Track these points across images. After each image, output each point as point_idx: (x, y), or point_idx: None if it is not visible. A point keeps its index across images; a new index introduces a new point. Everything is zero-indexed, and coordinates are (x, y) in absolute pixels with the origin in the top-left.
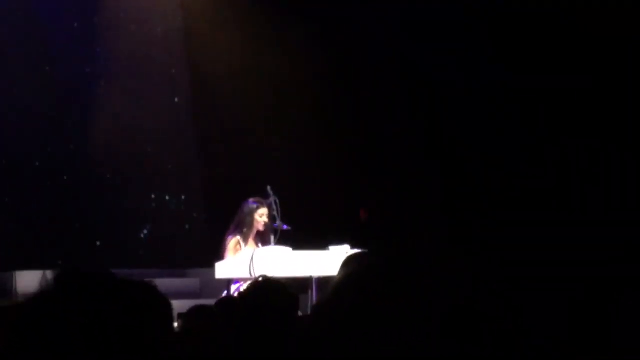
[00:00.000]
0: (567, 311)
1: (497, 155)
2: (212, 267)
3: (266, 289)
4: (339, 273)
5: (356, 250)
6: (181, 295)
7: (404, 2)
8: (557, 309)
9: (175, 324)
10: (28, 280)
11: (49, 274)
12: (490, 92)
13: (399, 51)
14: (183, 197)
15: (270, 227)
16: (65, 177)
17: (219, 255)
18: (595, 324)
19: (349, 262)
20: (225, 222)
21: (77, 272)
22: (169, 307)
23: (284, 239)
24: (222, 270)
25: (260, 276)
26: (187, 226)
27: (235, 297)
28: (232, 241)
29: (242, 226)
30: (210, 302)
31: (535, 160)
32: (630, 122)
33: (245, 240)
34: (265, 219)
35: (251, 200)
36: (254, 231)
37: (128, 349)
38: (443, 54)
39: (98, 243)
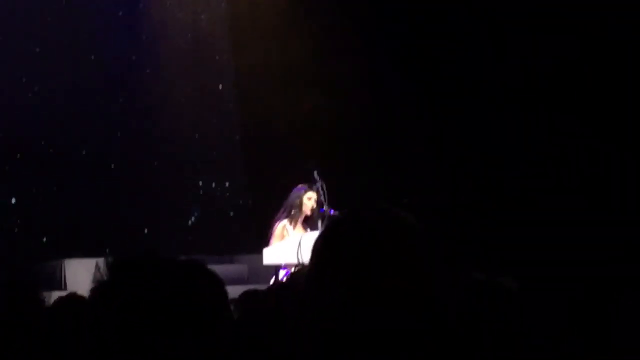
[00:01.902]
0: (567, 311)
1: (496, 155)
2: (260, 253)
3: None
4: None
5: None
6: (230, 281)
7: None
8: (557, 309)
9: None
10: (77, 269)
11: (101, 263)
12: (489, 92)
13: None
14: (227, 184)
15: (317, 212)
16: (112, 165)
17: (267, 240)
18: (596, 324)
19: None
20: (270, 207)
21: (128, 260)
22: (221, 284)
23: None
24: (270, 256)
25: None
26: (232, 212)
27: (287, 283)
28: (279, 226)
29: (290, 209)
30: (259, 287)
31: (535, 160)
32: (630, 122)
33: (294, 224)
34: (313, 202)
35: (300, 185)
36: (302, 215)
37: (188, 331)
38: (446, 53)
39: (146, 230)
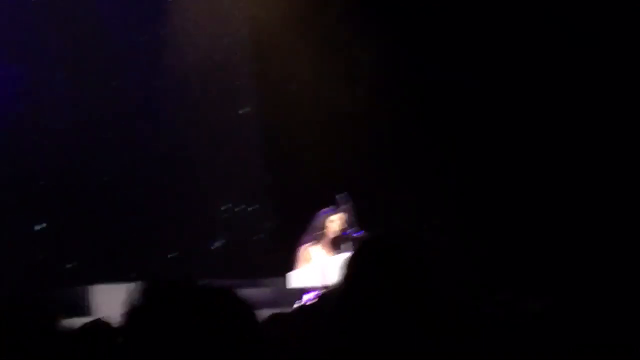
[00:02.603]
0: (567, 310)
1: (497, 155)
2: (285, 276)
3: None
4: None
5: None
6: (255, 305)
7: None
8: (557, 309)
9: None
10: (102, 295)
11: (135, 287)
12: (490, 92)
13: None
14: (251, 208)
15: (342, 235)
16: (136, 191)
17: (292, 264)
18: (595, 324)
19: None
20: (295, 231)
21: (162, 284)
22: (251, 310)
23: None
24: (295, 279)
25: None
26: (256, 236)
27: (316, 305)
28: (304, 250)
29: (314, 232)
30: (285, 311)
31: (535, 161)
32: (630, 122)
33: (319, 247)
34: (336, 225)
35: (325, 208)
36: (327, 238)
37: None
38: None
39: (169, 255)
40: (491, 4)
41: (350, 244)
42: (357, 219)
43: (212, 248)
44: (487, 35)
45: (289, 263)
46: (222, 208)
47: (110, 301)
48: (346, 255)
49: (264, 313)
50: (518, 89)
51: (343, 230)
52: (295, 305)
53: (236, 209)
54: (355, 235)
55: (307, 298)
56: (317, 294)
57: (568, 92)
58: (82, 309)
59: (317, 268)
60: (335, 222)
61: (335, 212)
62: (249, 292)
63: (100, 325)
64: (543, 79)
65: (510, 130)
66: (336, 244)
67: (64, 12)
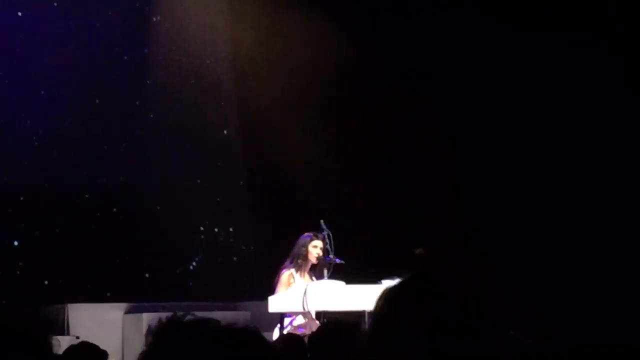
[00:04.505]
0: (568, 311)
1: (499, 157)
2: (262, 299)
3: (336, 329)
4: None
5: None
6: None
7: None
8: (559, 310)
9: None
10: (79, 313)
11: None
12: (492, 92)
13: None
14: (231, 229)
15: (323, 261)
16: (115, 210)
17: (272, 288)
18: (594, 324)
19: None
20: (273, 254)
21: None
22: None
23: (336, 273)
24: (276, 303)
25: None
26: (235, 258)
27: (300, 335)
28: (285, 274)
29: (297, 258)
30: (265, 336)
31: (536, 162)
32: (629, 122)
33: (300, 272)
34: (319, 250)
35: (306, 233)
36: (309, 263)
37: None
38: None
39: (147, 275)
40: (491, 5)
41: (330, 270)
42: (333, 246)
43: (190, 269)
44: (487, 35)
45: (268, 286)
46: (201, 229)
47: (87, 320)
48: (327, 280)
49: None
50: (518, 90)
51: (325, 256)
52: (276, 330)
53: (215, 230)
54: (337, 261)
55: (287, 322)
56: (292, 321)
57: (568, 96)
58: (60, 327)
59: (299, 293)
60: (318, 247)
61: (316, 237)
62: (227, 315)
63: (87, 348)
64: (542, 81)
65: (509, 132)
66: (317, 270)
67: (48, 29)
